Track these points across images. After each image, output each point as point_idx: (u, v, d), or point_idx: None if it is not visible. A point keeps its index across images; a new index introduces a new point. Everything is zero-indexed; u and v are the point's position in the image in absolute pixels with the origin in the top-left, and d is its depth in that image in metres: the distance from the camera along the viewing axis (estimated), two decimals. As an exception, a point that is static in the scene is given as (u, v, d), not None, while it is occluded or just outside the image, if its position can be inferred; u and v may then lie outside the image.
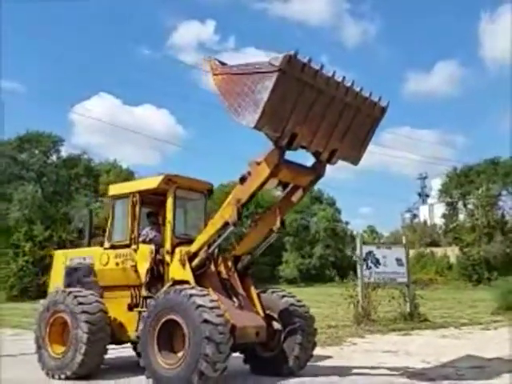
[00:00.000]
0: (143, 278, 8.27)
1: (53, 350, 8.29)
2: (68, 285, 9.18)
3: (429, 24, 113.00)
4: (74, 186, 53.19)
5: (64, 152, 55.23)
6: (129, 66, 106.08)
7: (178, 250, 8.16)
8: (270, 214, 8.33)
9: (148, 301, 7.99)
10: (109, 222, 9.16)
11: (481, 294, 29.14)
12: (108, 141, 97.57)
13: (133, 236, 8.53)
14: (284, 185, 8.17)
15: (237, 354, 8.00)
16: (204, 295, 7.13)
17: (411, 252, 18.24)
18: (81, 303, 8.07)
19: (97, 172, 54.90)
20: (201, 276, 7.96)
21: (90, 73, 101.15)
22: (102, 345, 8.12)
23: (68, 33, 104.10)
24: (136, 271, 8.38)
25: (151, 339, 7.22)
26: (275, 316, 8.38)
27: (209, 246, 8.03)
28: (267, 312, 8.34)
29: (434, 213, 72.01)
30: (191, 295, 7.02)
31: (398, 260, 16.65)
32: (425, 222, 70.21)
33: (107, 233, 9.09)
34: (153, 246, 8.41)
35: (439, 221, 64.96)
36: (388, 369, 8.73)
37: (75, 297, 8.18)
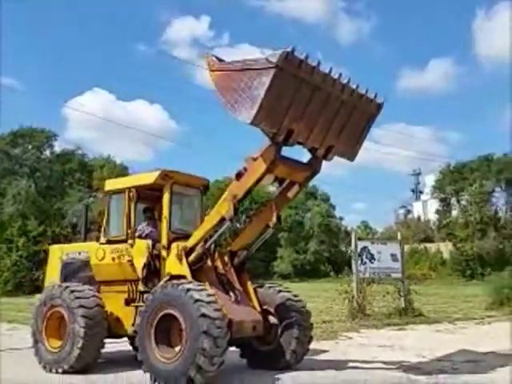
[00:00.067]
0: (140, 272, 8.29)
1: (50, 344, 8.31)
2: (64, 279, 9.19)
3: (423, 21, 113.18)
4: (68, 182, 53.02)
5: (57, 147, 55.13)
6: (123, 61, 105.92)
7: (174, 245, 8.18)
8: (266, 210, 8.37)
9: (145, 295, 8.02)
10: (105, 217, 9.17)
11: (474, 289, 29.33)
12: (101, 136, 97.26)
13: (129, 231, 8.53)
14: (280, 181, 8.20)
15: (233, 349, 8.04)
16: (201, 290, 7.16)
17: (405, 248, 18.33)
18: (78, 298, 8.09)
19: (90, 167, 54.74)
20: (197, 271, 8.00)
21: (84, 68, 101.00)
22: (99, 339, 8.15)
23: (62, 28, 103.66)
24: (132, 266, 8.40)
25: (149, 333, 7.25)
26: (272, 310, 8.43)
27: (205, 242, 8.07)
28: (264, 307, 8.39)
29: (427, 209, 72.36)
30: (188, 289, 7.05)
31: (393, 255, 16.76)
32: (418, 218, 70.55)
33: (103, 228, 9.10)
34: (149, 241, 8.43)
35: (433, 217, 65.31)
36: (384, 363, 8.81)
37: (72, 291, 8.19)
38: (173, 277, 7.83)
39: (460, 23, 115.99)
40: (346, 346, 10.96)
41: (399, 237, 18.88)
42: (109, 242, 8.80)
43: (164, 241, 8.28)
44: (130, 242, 8.48)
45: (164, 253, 8.25)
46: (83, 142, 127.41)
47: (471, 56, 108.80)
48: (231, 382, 7.29)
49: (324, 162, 7.98)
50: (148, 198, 9.19)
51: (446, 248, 52.13)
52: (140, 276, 8.26)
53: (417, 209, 77.72)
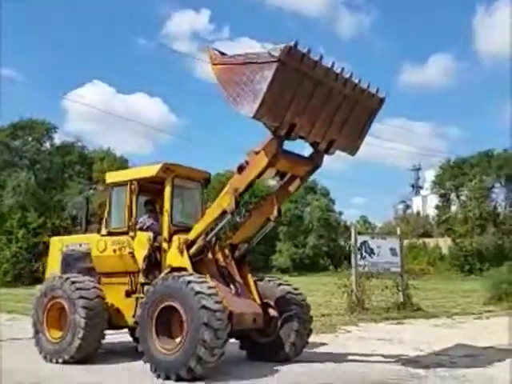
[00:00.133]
0: (140, 264, 8.32)
1: (50, 334, 8.35)
2: (64, 271, 9.21)
3: (424, 17, 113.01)
4: (68, 174, 52.98)
5: (57, 139, 55.06)
6: (123, 55, 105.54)
7: (175, 237, 8.21)
8: (267, 203, 8.39)
9: (145, 287, 8.05)
10: (106, 209, 9.19)
11: (472, 284, 29.44)
12: (101, 128, 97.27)
13: (130, 223, 8.55)
14: (281, 174, 8.22)
15: (233, 340, 8.08)
16: (202, 282, 7.20)
17: (404, 242, 18.41)
18: (78, 289, 8.12)
19: (90, 160, 54.69)
20: (198, 263, 8.03)
21: (84, 61, 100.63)
22: (100, 330, 8.19)
23: (63, 21, 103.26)
24: (133, 258, 8.43)
25: (149, 325, 7.29)
26: (271, 303, 8.47)
27: (206, 234, 8.09)
28: (264, 300, 8.43)
29: (426, 204, 72.45)
30: (189, 282, 7.09)
31: (392, 250, 16.81)
32: (417, 213, 70.65)
33: (104, 220, 9.12)
34: (150, 234, 8.46)
35: (432, 212, 65.39)
36: (383, 356, 8.88)
37: (73, 282, 8.23)
38: (174, 269, 7.86)
39: (460, 19, 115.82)
40: (345, 339, 11.02)
41: (399, 231, 18.94)
42: (110, 233, 8.82)
43: (165, 233, 8.31)
44: (131, 234, 8.50)
45: (165, 245, 8.28)
46: (83, 134, 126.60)
47: (471, 52, 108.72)
48: (231, 374, 7.33)
49: (324, 156, 8.00)
50: (149, 190, 9.21)
51: (444, 243, 52.26)
52: (141, 268, 8.30)
53: (416, 204, 77.81)
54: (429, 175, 72.06)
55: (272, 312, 8.41)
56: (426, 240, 55.51)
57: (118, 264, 8.58)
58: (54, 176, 52.37)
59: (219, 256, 8.52)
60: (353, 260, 16.05)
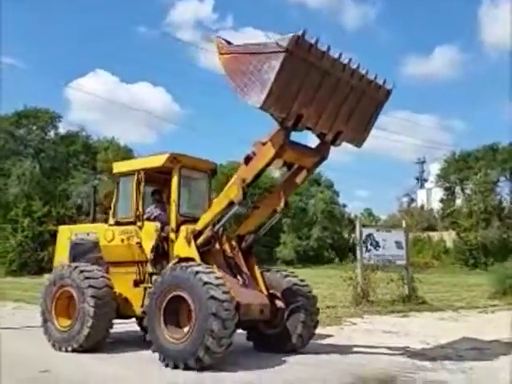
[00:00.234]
0: (148, 254, 8.35)
1: (59, 323, 8.41)
2: (72, 260, 9.27)
3: (429, 8, 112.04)
4: (72, 163, 53.03)
5: (62, 128, 55.10)
6: (126, 43, 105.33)
7: (183, 227, 8.23)
8: (274, 195, 8.41)
9: (153, 277, 8.10)
10: (113, 198, 9.21)
11: (477, 278, 29.41)
12: (104, 118, 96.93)
13: (138, 213, 8.57)
14: (288, 166, 8.22)
15: (240, 331, 8.11)
16: (210, 272, 7.22)
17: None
18: (87, 278, 8.16)
19: (95, 149, 54.69)
20: (205, 254, 8.05)
21: (87, 50, 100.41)
22: (108, 319, 8.24)
23: (66, 10, 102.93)
24: (141, 248, 8.46)
25: (158, 314, 7.33)
26: (278, 295, 8.50)
27: (213, 225, 8.10)
28: (270, 291, 8.45)
29: (431, 197, 72.25)
30: (197, 272, 7.11)
31: (398, 243, 16.80)
32: (422, 207, 70.48)
33: (112, 209, 9.16)
34: (158, 224, 8.48)
35: (436, 205, 65.23)
36: (389, 348, 8.88)
37: (81, 271, 8.27)
38: (181, 259, 7.89)
39: (466, 10, 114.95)
40: (351, 331, 11.05)
41: (404, 224, 18.90)
42: (117, 223, 8.86)
43: (173, 223, 8.33)
44: (138, 224, 8.54)
45: (172, 235, 8.30)
46: (86, 123, 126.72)
47: (477, 43, 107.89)
48: (238, 364, 7.36)
49: (331, 148, 7.98)
50: (156, 180, 9.23)
51: (449, 237, 52.14)
52: (148, 258, 8.33)
53: (420, 197, 77.58)
54: (433, 168, 71.85)
55: (279, 303, 8.44)
56: (431, 233, 55.41)
57: (125, 254, 8.62)
58: (59, 165, 52.46)
59: (226, 247, 8.54)
60: (358, 252, 16.06)
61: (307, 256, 55.13)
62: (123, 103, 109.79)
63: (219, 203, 8.03)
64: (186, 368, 6.91)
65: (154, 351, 7.35)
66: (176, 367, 7.00)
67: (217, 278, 7.15)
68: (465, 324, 12.11)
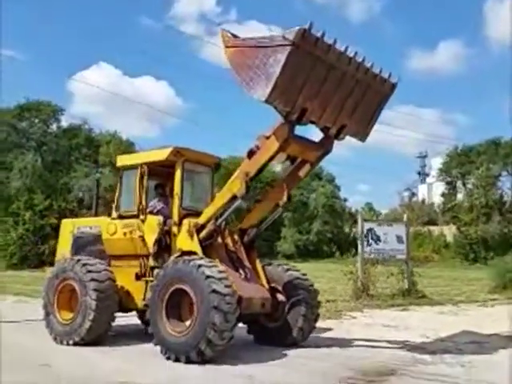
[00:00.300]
0: (150, 248, 8.37)
1: (61, 316, 8.43)
2: (75, 253, 9.29)
3: (434, 2, 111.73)
4: (74, 156, 53.02)
5: (64, 122, 55.05)
6: (129, 36, 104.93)
7: (185, 221, 8.24)
8: (277, 189, 8.44)
9: (155, 270, 8.12)
10: (116, 192, 9.22)
11: (477, 272, 29.47)
12: (106, 112, 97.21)
13: (141, 207, 8.59)
14: (292, 159, 8.23)
15: (241, 325, 8.14)
16: (212, 266, 7.25)
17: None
18: (90, 271, 8.18)
19: (97, 143, 54.67)
20: (208, 248, 8.07)
21: (90, 43, 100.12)
22: (110, 312, 8.27)
23: (69, 2, 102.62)
24: (143, 241, 8.48)
25: (160, 308, 7.36)
26: (279, 288, 8.52)
27: (216, 219, 8.12)
28: (272, 284, 8.48)
29: (432, 192, 72.24)
30: (200, 265, 7.14)
31: (399, 237, 16.82)
32: (423, 201, 70.49)
33: (115, 203, 9.17)
34: (161, 217, 8.50)
35: (438, 200, 65.24)
36: (388, 342, 8.94)
37: (84, 265, 8.29)
38: (184, 253, 7.91)
39: (471, 5, 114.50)
40: (351, 325, 11.10)
41: (405, 219, 18.93)
42: (120, 217, 8.88)
43: (175, 217, 8.35)
44: (141, 217, 8.55)
45: (175, 229, 8.32)
46: (88, 116, 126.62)
47: (481, 38, 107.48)
48: (239, 358, 7.40)
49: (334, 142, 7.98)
50: (159, 174, 9.24)
51: (449, 231, 52.19)
52: (151, 251, 8.35)
53: (422, 191, 77.60)
54: (435, 163, 71.82)
55: (280, 297, 8.47)
56: (431, 228, 55.46)
57: (128, 247, 8.64)
58: (61, 158, 52.44)
59: (228, 241, 8.57)
60: (359, 247, 16.09)
61: (307, 250, 55.24)
62: (126, 96, 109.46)
63: (222, 197, 8.06)
64: (188, 361, 6.95)
65: (155, 344, 7.39)
66: (178, 360, 7.04)
67: (219, 271, 7.18)
68: (464, 318, 12.16)
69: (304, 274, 8.83)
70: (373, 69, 7.57)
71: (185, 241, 8.12)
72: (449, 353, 8.02)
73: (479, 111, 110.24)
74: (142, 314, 9.14)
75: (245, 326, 8.75)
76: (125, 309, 8.79)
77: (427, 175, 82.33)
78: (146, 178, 8.65)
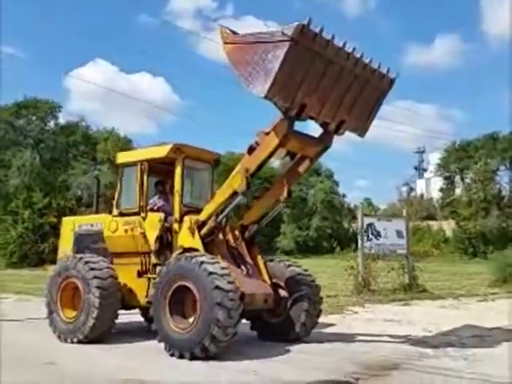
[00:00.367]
0: (152, 245, 8.38)
1: (64, 314, 8.43)
2: (77, 251, 9.29)
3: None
4: (72, 154, 52.94)
5: (61, 119, 54.96)
6: (126, 33, 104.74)
7: (186, 218, 8.25)
8: (277, 185, 8.44)
9: (157, 268, 8.14)
10: (117, 189, 9.22)
11: (476, 267, 29.56)
12: (103, 108, 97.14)
13: (141, 204, 8.59)
14: (291, 155, 8.24)
15: (244, 321, 8.15)
16: (215, 263, 7.26)
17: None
18: (92, 269, 8.18)
19: (94, 140, 54.61)
20: (209, 244, 8.08)
21: (87, 39, 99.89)
22: (113, 309, 8.27)
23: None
24: (145, 238, 8.48)
25: (163, 304, 7.37)
26: (282, 284, 8.54)
27: (217, 215, 8.13)
28: (274, 280, 8.50)
29: (430, 187, 72.36)
30: (202, 262, 7.15)
31: (398, 232, 16.87)
32: (421, 196, 70.62)
33: (115, 200, 9.16)
34: (162, 214, 8.50)
35: (436, 194, 65.36)
36: (391, 336, 8.96)
37: (86, 262, 8.29)
38: (185, 250, 7.92)
39: (468, 0, 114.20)
40: (353, 320, 11.12)
41: (405, 213, 18.96)
42: (121, 214, 8.87)
43: (176, 214, 8.35)
44: (142, 214, 8.54)
45: (176, 226, 8.32)
46: (85, 113, 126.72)
47: (478, 33, 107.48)
48: (243, 354, 7.42)
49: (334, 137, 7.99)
50: (159, 171, 9.24)
51: (448, 226, 52.32)
52: (152, 248, 8.36)
53: (420, 187, 77.74)
54: (433, 158, 71.88)
55: (282, 292, 8.49)
56: (430, 223, 55.58)
57: (129, 244, 8.64)
58: (59, 156, 52.35)
59: (230, 237, 8.58)
60: (359, 242, 16.12)
61: (307, 246, 55.31)
62: (123, 93, 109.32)
63: (222, 193, 8.05)
64: (192, 357, 6.96)
65: (159, 341, 7.40)
66: (182, 357, 7.06)
67: (222, 268, 7.19)
68: (466, 312, 12.19)
69: (306, 270, 8.85)
70: (371, 64, 7.57)
71: (186, 238, 8.12)
72: (451, 346, 8.04)
73: (477, 106, 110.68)
74: (144, 311, 9.14)
75: (248, 322, 8.77)
76: (127, 306, 8.79)
77: (425, 170, 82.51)
78: (146, 174, 8.65)
